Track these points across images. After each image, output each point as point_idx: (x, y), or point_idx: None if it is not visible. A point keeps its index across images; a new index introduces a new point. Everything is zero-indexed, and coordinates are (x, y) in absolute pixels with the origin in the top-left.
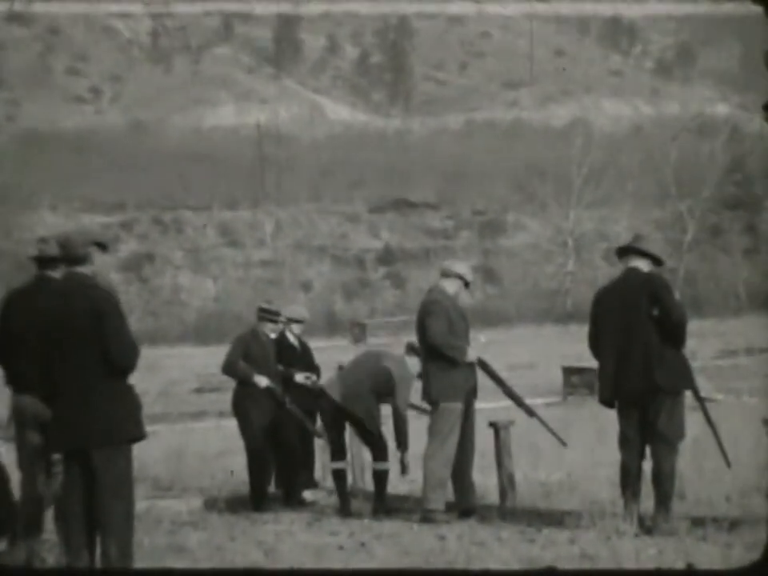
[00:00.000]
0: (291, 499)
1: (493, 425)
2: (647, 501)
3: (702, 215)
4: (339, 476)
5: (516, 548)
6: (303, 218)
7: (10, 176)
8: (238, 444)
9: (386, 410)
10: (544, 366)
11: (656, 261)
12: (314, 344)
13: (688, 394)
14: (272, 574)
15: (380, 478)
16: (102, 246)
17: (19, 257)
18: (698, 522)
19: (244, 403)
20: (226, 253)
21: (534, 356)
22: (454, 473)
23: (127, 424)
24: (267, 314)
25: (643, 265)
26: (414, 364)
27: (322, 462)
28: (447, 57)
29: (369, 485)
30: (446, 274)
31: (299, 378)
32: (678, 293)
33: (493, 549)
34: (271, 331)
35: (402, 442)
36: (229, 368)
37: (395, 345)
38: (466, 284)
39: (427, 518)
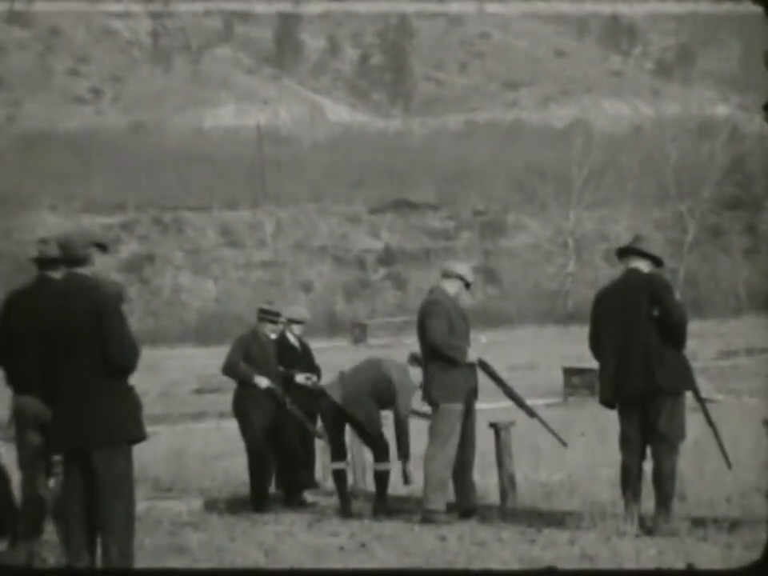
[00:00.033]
0: (292, 500)
1: (493, 425)
2: (648, 501)
3: (702, 215)
4: (339, 476)
5: (516, 548)
6: (304, 218)
7: (10, 177)
8: (239, 445)
9: (386, 413)
10: (545, 367)
11: (656, 261)
12: (315, 345)
13: (688, 394)
14: (272, 574)
15: (381, 478)
16: (102, 247)
17: (19, 258)
18: (698, 523)
19: (244, 404)
20: (227, 253)
21: (535, 357)
22: (454, 473)
23: (127, 425)
24: (268, 315)
25: (643, 265)
26: (416, 374)
27: (322, 463)
28: (447, 57)
29: (369, 485)
30: (446, 275)
31: (300, 378)
32: (678, 293)
33: (493, 549)
34: (272, 332)
35: (403, 452)
36: (229, 369)
37: (396, 345)
38: (467, 285)
39: (428, 518)
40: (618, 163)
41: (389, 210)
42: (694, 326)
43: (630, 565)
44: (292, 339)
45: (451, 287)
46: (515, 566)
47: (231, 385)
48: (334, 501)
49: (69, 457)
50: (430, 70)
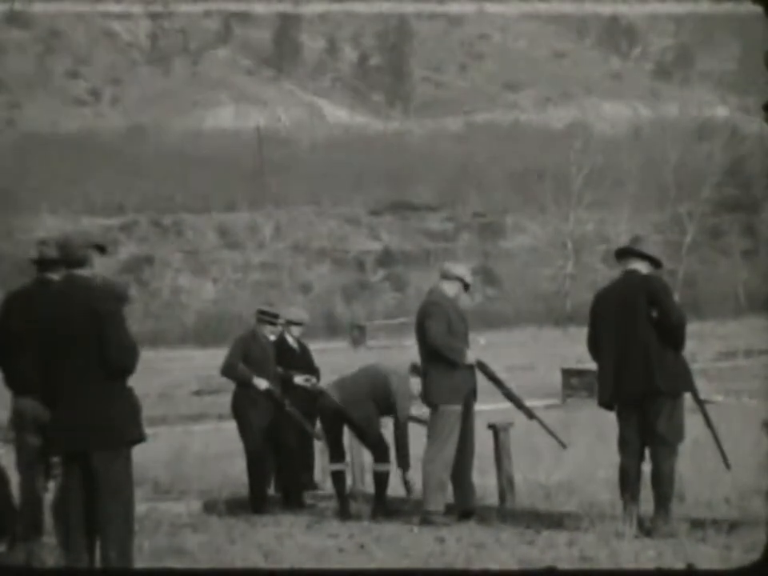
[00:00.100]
0: (291, 501)
1: (492, 427)
2: (646, 503)
3: (702, 217)
4: (338, 478)
5: (515, 550)
6: (303, 219)
7: (9, 178)
8: (238, 446)
9: (385, 420)
10: (543, 368)
11: (655, 263)
12: (314, 346)
13: (687, 395)
14: (272, 574)
15: (380, 479)
16: (101, 249)
17: (19, 259)
18: (697, 524)
19: (243, 405)
20: (226, 255)
21: (534, 358)
22: (453, 475)
23: (127, 426)
24: (266, 317)
25: (642, 267)
26: (416, 383)
27: (321, 464)
28: (447, 59)
29: (368, 486)
30: (445, 276)
31: (298, 380)
32: (677, 295)
33: (492, 551)
34: (271, 333)
35: (403, 461)
36: (228, 370)
37: (395, 347)
38: (466, 286)
39: (427, 520)
40: (617, 165)
41: (388, 212)
42: (692, 328)
43: (628, 566)
44: (291, 341)
45: (450, 289)
46: (514, 567)
47: (230, 386)
48: (333, 502)
49: (68, 458)
50: (429, 72)
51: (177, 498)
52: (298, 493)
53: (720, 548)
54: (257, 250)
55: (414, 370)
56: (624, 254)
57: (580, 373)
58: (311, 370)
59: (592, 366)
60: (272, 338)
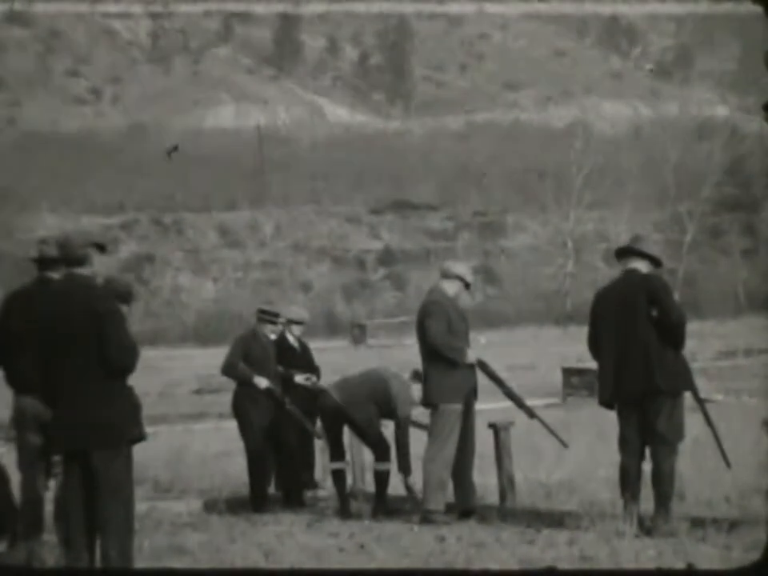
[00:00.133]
0: (291, 500)
1: (492, 426)
2: (647, 502)
3: (702, 216)
4: (338, 476)
5: (516, 549)
6: (303, 218)
7: (10, 177)
8: (238, 445)
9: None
10: (544, 367)
11: (655, 262)
12: (314, 345)
13: (687, 394)
14: (272, 574)
15: (381, 478)
16: (101, 248)
17: (19, 258)
18: (697, 523)
19: (244, 404)
20: (226, 254)
21: (534, 357)
22: (454, 474)
23: (127, 425)
24: (267, 316)
25: (642, 266)
26: (417, 389)
27: (321, 463)
28: (447, 58)
29: (369, 485)
30: (445, 275)
31: (299, 379)
32: (677, 294)
33: (492, 550)
34: (271, 332)
35: (404, 466)
36: (229, 369)
37: (395, 346)
38: (467, 285)
39: (427, 519)
40: (617, 164)
41: (388, 211)
42: (692, 327)
43: (629, 565)
44: (291, 339)
45: (450, 288)
46: (514, 566)
47: (231, 385)
48: (334, 501)
49: (68, 457)
50: (429, 71)
51: (177, 497)
52: (299, 492)
53: (720, 547)
54: (257, 248)
55: (416, 376)
56: (624, 253)
57: (580, 372)
58: (312, 368)
59: (592, 365)
60: (272, 336)
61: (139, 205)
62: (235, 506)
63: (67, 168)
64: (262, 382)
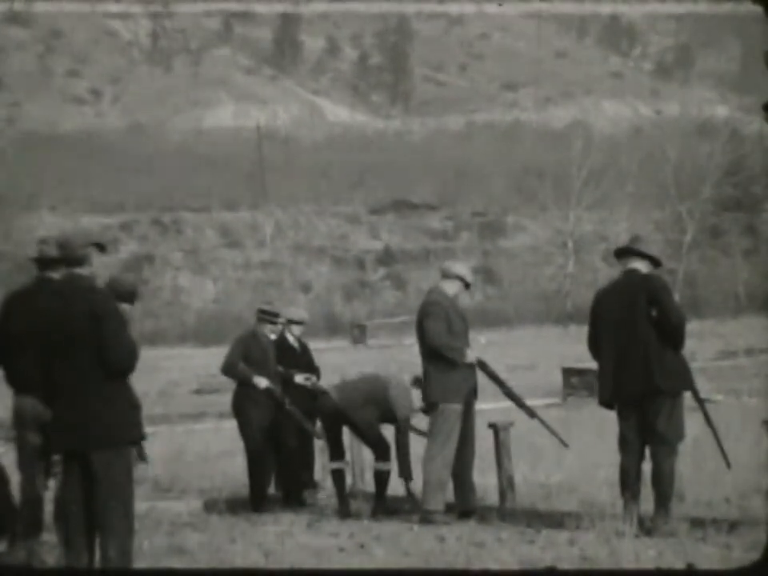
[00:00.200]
0: (291, 500)
1: (492, 426)
2: (647, 502)
3: (702, 216)
4: (338, 476)
5: (515, 549)
6: (303, 219)
7: (10, 177)
8: (238, 445)
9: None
10: (544, 368)
11: (654, 262)
12: (314, 345)
13: (687, 394)
14: (271, 574)
15: (381, 478)
16: (101, 247)
17: (19, 258)
18: (697, 523)
19: (244, 404)
20: (226, 254)
21: (534, 357)
22: (454, 474)
23: (126, 425)
24: (267, 316)
25: (642, 266)
26: (417, 394)
27: (321, 463)
28: (447, 58)
29: (368, 485)
30: (445, 275)
31: (299, 379)
32: (677, 294)
33: (492, 550)
34: (271, 332)
35: (405, 472)
36: (228, 369)
37: (395, 346)
38: (466, 285)
39: (427, 519)
40: (617, 164)
41: (388, 211)
42: (693, 327)
43: (629, 565)
44: (291, 340)
45: (450, 288)
46: (514, 566)
47: (230, 385)
48: (334, 501)
49: (68, 457)
50: (429, 71)
51: (177, 497)
52: (298, 492)
53: (720, 547)
54: (257, 248)
55: (416, 382)
56: (624, 253)
57: (580, 372)
58: (311, 369)
59: (592, 365)
60: (272, 337)
61: (139, 205)
62: (235, 505)
63: (67, 168)
64: (262, 382)
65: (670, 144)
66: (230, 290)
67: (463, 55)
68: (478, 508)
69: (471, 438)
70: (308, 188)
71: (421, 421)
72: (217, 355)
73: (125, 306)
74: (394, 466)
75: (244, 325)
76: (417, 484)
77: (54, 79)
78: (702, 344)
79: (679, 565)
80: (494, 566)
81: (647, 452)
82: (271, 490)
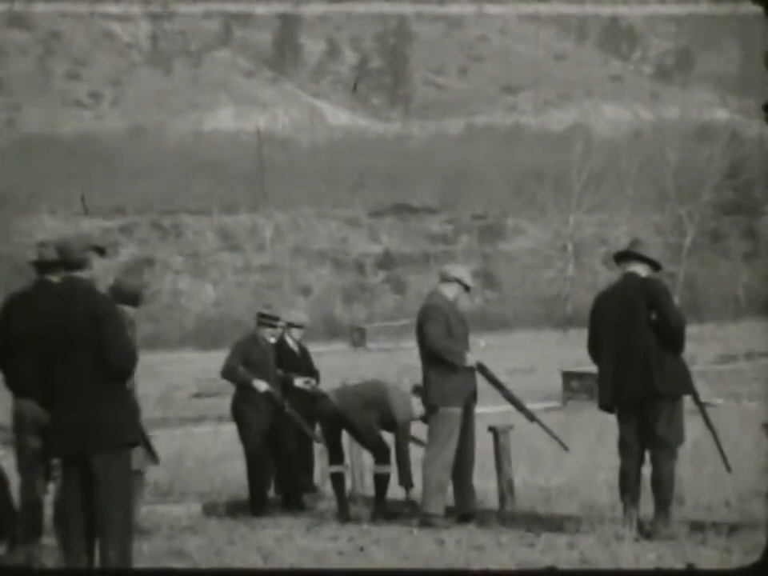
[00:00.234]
0: (290, 504)
1: (492, 429)
2: (646, 505)
3: (702, 220)
4: (337, 480)
5: (515, 552)
6: (303, 222)
7: (9, 180)
8: (238, 449)
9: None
10: (543, 371)
11: (654, 265)
12: (314, 349)
13: (687, 398)
14: (272, 574)
15: (381, 481)
16: (101, 251)
17: (18, 261)
18: (697, 527)
19: (243, 408)
20: (226, 257)
21: (534, 361)
22: (454, 477)
23: (126, 428)
24: (266, 319)
25: (641, 269)
26: (417, 403)
27: (321, 467)
28: (447, 61)
29: (368, 489)
30: (444, 279)
31: (298, 382)
32: (677, 297)
33: (492, 553)
34: (271, 336)
35: (405, 480)
36: (228, 373)
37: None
38: (466, 288)
39: (426, 522)
40: (617, 167)
41: (388, 214)
42: (692, 330)
43: (629, 569)
44: (291, 343)
45: (449, 291)
46: (514, 569)
47: (230, 389)
48: (333, 505)
49: (67, 460)
50: (429, 74)
51: (176, 501)
52: (298, 495)
53: (720, 551)
54: (257, 252)
55: (416, 390)
56: (623, 256)
57: (580, 375)
58: (311, 372)
59: (592, 368)
60: (272, 340)
61: (139, 208)
62: (234, 509)
63: (67, 171)
64: (262, 386)
65: (669, 147)
66: (229, 293)
67: (463, 58)
68: (477, 511)
69: (471, 441)
70: (308, 191)
71: (420, 430)
72: (216, 359)
73: (129, 309)
74: (393, 469)
75: (244, 328)
76: (417, 491)
77: (53, 82)
78: (702, 347)
79: (679, 568)
80: (493, 569)
81: (647, 455)
82: (271, 493)
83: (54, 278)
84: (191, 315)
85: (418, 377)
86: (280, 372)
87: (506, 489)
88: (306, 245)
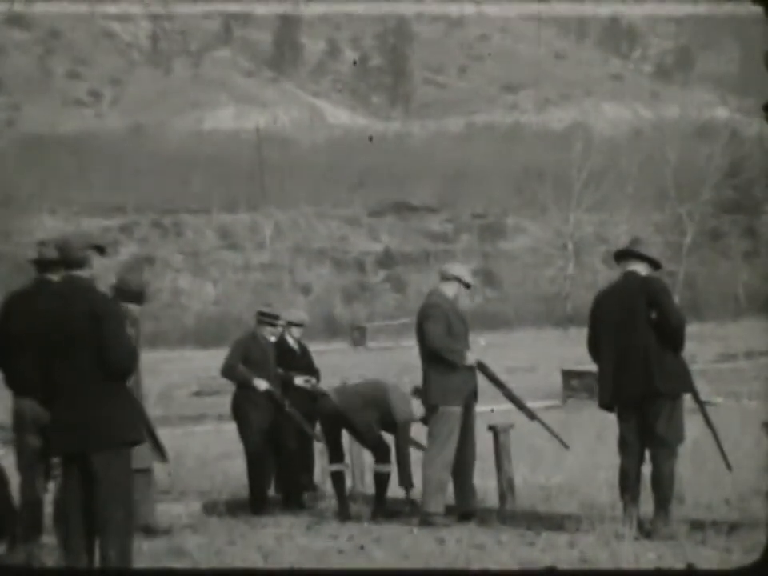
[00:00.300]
0: (291, 503)
1: (492, 428)
2: (646, 504)
3: (702, 218)
4: (337, 478)
5: (515, 551)
6: (303, 221)
7: (9, 179)
8: (238, 447)
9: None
10: (544, 370)
11: (654, 264)
12: (314, 347)
13: (687, 397)
14: (272, 574)
15: (381, 480)
16: (101, 249)
17: (19, 260)
18: (697, 526)
19: (243, 406)
20: (226, 256)
21: (534, 359)
22: (455, 476)
23: (126, 427)
24: (267, 318)
25: (641, 268)
26: (417, 405)
27: (321, 466)
28: (447, 60)
29: (368, 488)
30: (444, 277)
31: (299, 381)
32: (677, 296)
33: (492, 552)
34: (271, 334)
35: (405, 481)
36: (228, 371)
37: (395, 348)
38: (466, 285)
39: (426, 521)
40: (617, 166)
41: (388, 213)
42: (693, 329)
43: (629, 567)
44: (291, 342)
45: (449, 290)
46: (514, 568)
47: (230, 387)
48: (333, 503)
49: (68, 459)
50: (429, 73)
51: (176, 499)
52: (298, 494)
53: (720, 550)
54: (257, 250)
55: (416, 392)
56: (623, 255)
57: (580, 374)
58: (311, 371)
59: (592, 367)
60: (272, 339)
61: (139, 207)
62: (235, 508)
63: (67, 170)
64: (262, 384)
65: (669, 146)
66: (229, 291)
67: (463, 57)
68: (477, 510)
69: (472, 440)
70: (308, 190)
71: (420, 433)
72: (217, 357)
73: (133, 307)
74: (393, 468)
75: (244, 327)
76: (417, 491)
77: (53, 81)
78: (702, 346)
79: (679, 567)
80: (493, 567)
81: (647, 454)
82: (271, 492)
83: (54, 277)
84: (191, 313)
85: (418, 376)
86: (280, 371)
87: (506, 487)
88: (306, 243)
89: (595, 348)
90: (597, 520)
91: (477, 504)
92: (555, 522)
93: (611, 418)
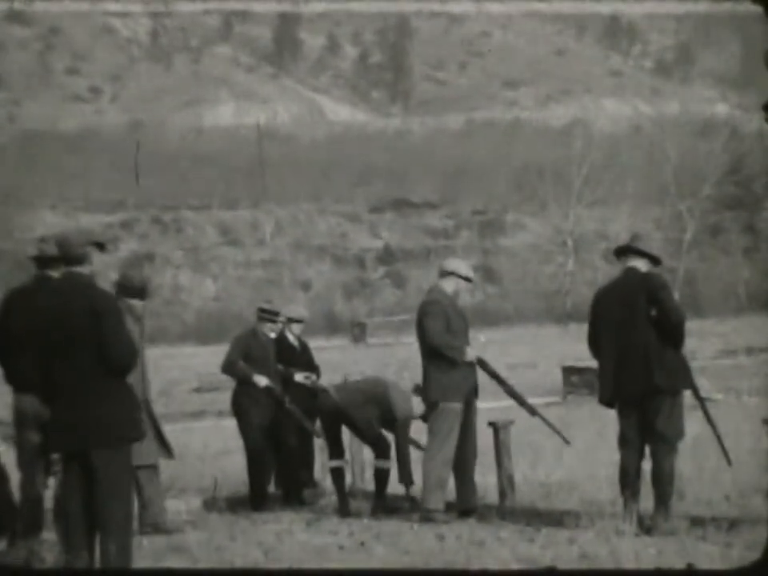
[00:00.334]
0: (291, 499)
1: (492, 425)
2: (647, 501)
3: (702, 215)
4: (337, 474)
5: (515, 548)
6: (303, 217)
7: (10, 176)
8: (238, 444)
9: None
10: (544, 366)
11: (654, 260)
12: (314, 344)
13: (687, 393)
14: (271, 574)
15: (381, 476)
16: (101, 246)
17: (19, 256)
18: (697, 522)
19: (243, 403)
20: (226, 252)
21: (534, 356)
22: (455, 473)
23: (126, 425)
24: (267, 314)
25: (641, 264)
26: (417, 402)
27: (321, 462)
28: (447, 56)
29: (368, 484)
30: (443, 274)
31: (299, 377)
32: (677, 292)
33: (492, 548)
34: (271, 331)
35: (405, 478)
36: (228, 368)
37: (395, 344)
38: (466, 279)
39: (427, 517)
40: (617, 162)
41: (388, 209)
42: (693, 325)
43: (628, 564)
44: (291, 338)
45: (449, 286)
46: (514, 565)
47: (230, 384)
48: (333, 499)
49: (68, 456)
50: (429, 69)
51: (176, 496)
52: (298, 490)
53: (720, 546)
54: (257, 247)
55: (417, 390)
56: (623, 251)
57: (580, 370)
58: (311, 367)
59: (592, 363)
60: (272, 335)
61: (139, 203)
62: (235, 504)
63: (67, 166)
64: (262, 381)
65: (670, 143)
66: (230, 288)
67: (463, 53)
68: (478, 507)
69: (472, 437)
70: (308, 186)
71: (420, 430)
72: (217, 354)
73: (137, 303)
74: (393, 464)
75: (244, 323)
76: (417, 487)
77: (53, 77)
78: (702, 343)
79: (679, 563)
80: (493, 564)
81: (647, 450)
82: (271, 488)
83: (54, 274)
84: (191, 310)
85: (418, 372)
86: (280, 367)
87: (506, 484)
88: (307, 240)
89: (595, 344)
90: (597, 516)
91: (477, 500)
92: (555, 519)
93: (611, 414)
